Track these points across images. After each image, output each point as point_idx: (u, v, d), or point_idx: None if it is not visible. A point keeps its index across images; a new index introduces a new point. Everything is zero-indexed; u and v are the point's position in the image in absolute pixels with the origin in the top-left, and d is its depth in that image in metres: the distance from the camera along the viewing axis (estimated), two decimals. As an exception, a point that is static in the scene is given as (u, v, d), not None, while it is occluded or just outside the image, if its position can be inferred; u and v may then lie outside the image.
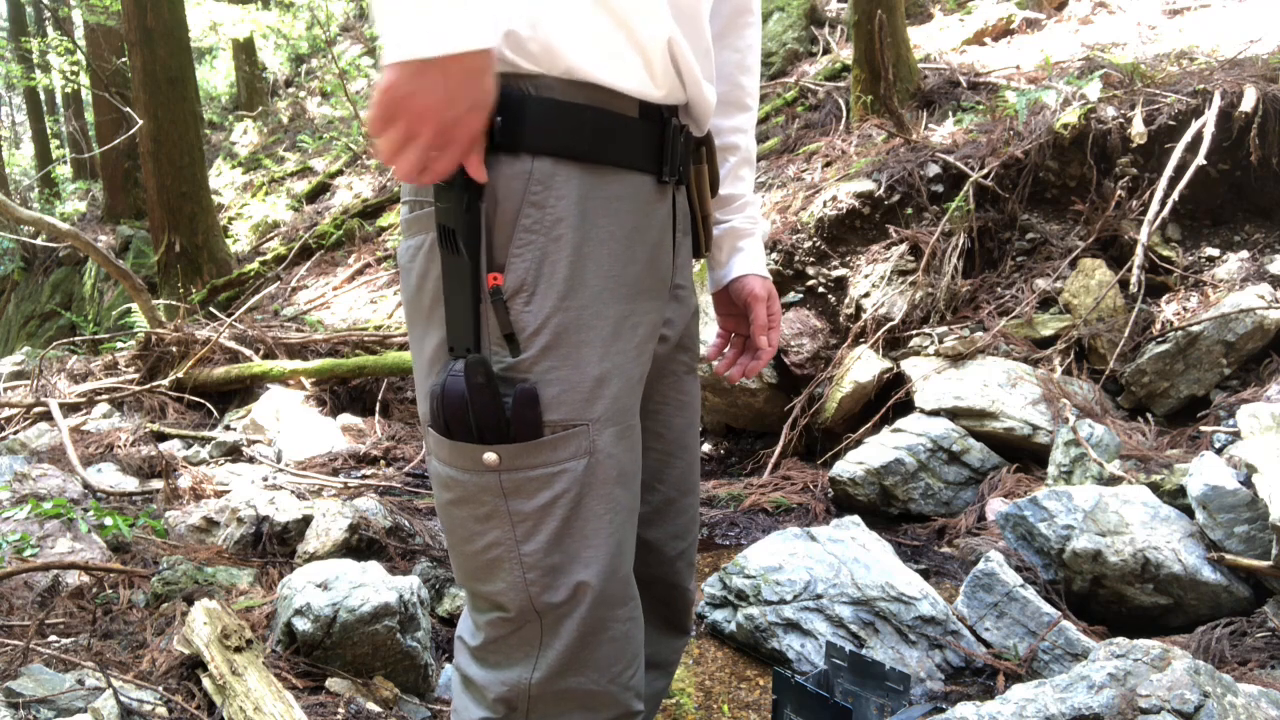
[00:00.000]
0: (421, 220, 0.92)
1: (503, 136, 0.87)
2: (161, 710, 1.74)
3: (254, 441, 4.62)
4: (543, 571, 0.90)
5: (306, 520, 2.86)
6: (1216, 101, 3.61)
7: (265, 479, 3.92)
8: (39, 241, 11.21)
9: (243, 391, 5.35)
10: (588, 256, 0.91)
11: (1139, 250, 3.55)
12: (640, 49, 0.91)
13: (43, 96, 16.71)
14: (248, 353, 5.48)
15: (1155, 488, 2.51)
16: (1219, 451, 2.64)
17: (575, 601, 0.91)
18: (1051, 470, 2.96)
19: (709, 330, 3.41)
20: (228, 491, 3.59)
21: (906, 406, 3.57)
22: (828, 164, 4.87)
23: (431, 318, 0.92)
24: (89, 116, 14.22)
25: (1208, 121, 3.58)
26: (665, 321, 1.07)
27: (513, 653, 0.94)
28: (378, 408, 5.05)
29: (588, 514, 0.91)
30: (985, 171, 4.00)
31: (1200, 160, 3.50)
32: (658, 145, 0.98)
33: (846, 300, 4.16)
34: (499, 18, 0.86)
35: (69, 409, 5.10)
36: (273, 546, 2.80)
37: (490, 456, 0.88)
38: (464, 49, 0.78)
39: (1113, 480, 2.72)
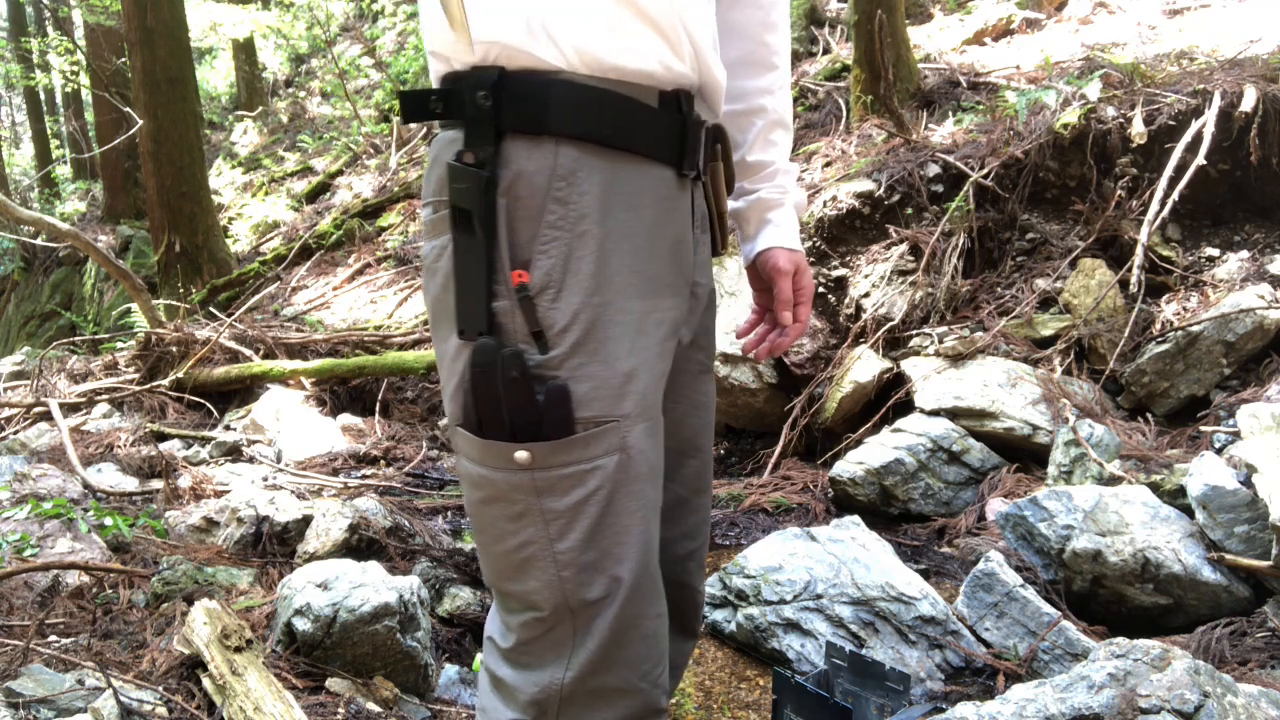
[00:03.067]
0: (449, 219, 0.91)
1: (526, 121, 0.87)
2: (161, 710, 1.74)
3: (254, 441, 4.62)
4: (578, 569, 0.90)
5: (306, 520, 2.86)
6: (1216, 101, 3.61)
7: (265, 479, 3.92)
8: (39, 241, 11.21)
9: (243, 391, 5.35)
10: (611, 252, 0.90)
11: (1139, 250, 3.55)
12: (656, 27, 0.91)
13: (43, 96, 16.70)
14: (248, 353, 5.48)
15: (1155, 488, 2.51)
16: (1219, 451, 2.64)
17: (610, 598, 0.91)
18: (1051, 470, 2.96)
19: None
20: (228, 491, 3.59)
21: (906, 406, 3.57)
22: (828, 164, 4.87)
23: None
24: (89, 116, 14.23)
25: (1208, 121, 3.58)
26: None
27: (545, 654, 0.93)
28: (378, 408, 5.05)
29: (619, 510, 0.91)
30: (985, 171, 4.00)
31: (1200, 160, 3.50)
32: (679, 138, 0.97)
33: (846, 300, 4.16)
34: (521, 17, 0.87)
35: (69, 409, 5.10)
36: (273, 546, 2.80)
37: (522, 454, 0.88)
38: None
39: (1113, 480, 2.72)
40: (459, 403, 0.92)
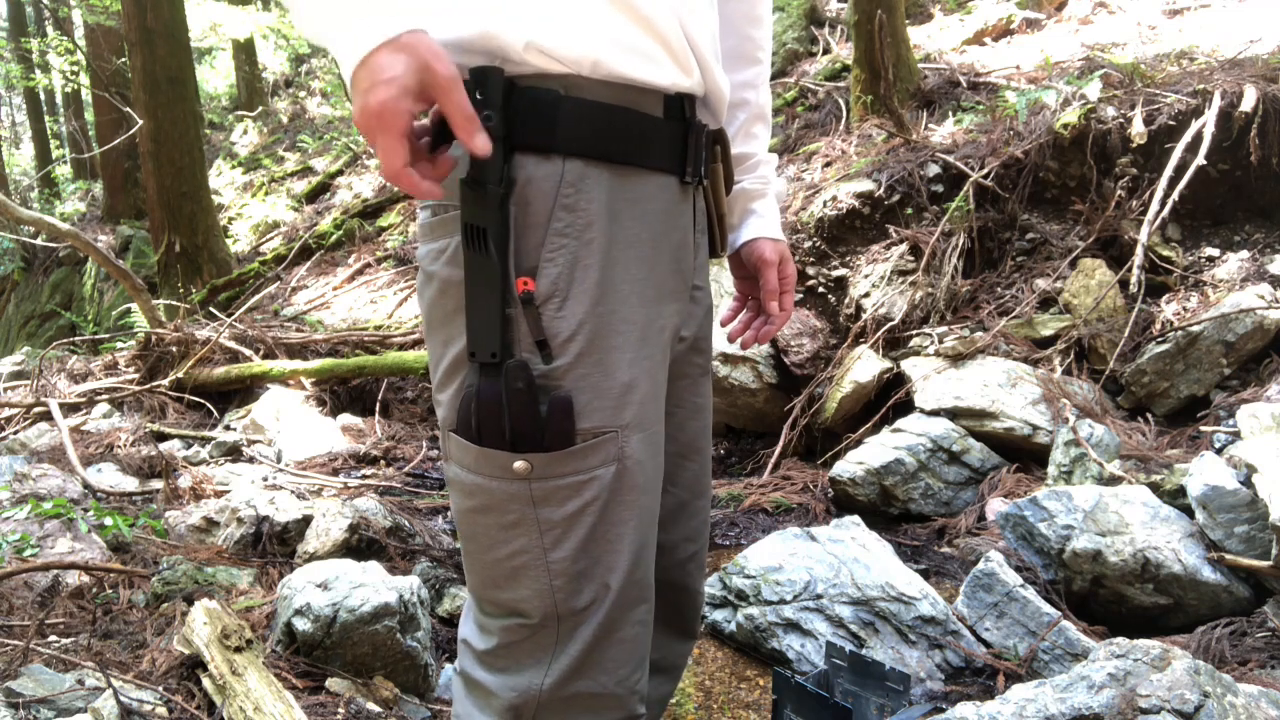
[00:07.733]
0: (447, 223, 0.91)
1: (534, 138, 0.86)
2: (161, 710, 1.74)
3: (254, 441, 4.62)
4: (569, 578, 0.90)
5: (306, 520, 2.86)
6: (1216, 101, 3.61)
7: (265, 479, 3.92)
8: (39, 241, 11.21)
9: (243, 391, 5.35)
10: (616, 260, 0.90)
11: (1139, 250, 3.55)
12: (658, 36, 0.91)
13: (43, 96, 16.70)
14: (248, 353, 5.48)
15: (1155, 488, 2.51)
16: (1219, 451, 2.64)
17: (596, 605, 0.91)
18: (1051, 470, 2.96)
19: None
20: (228, 491, 3.59)
21: (906, 406, 3.57)
22: (828, 164, 4.87)
23: (456, 322, 0.91)
24: (89, 116, 14.22)
25: (1208, 121, 3.58)
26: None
27: (524, 658, 0.93)
28: (378, 408, 5.04)
29: (613, 520, 0.91)
30: (985, 171, 4.00)
31: (1200, 160, 3.50)
32: (681, 146, 0.98)
33: (846, 300, 4.16)
34: (521, 24, 0.86)
35: (69, 409, 5.10)
36: (273, 546, 2.80)
37: (521, 464, 0.87)
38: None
39: (1113, 480, 2.72)
40: (456, 409, 0.91)
